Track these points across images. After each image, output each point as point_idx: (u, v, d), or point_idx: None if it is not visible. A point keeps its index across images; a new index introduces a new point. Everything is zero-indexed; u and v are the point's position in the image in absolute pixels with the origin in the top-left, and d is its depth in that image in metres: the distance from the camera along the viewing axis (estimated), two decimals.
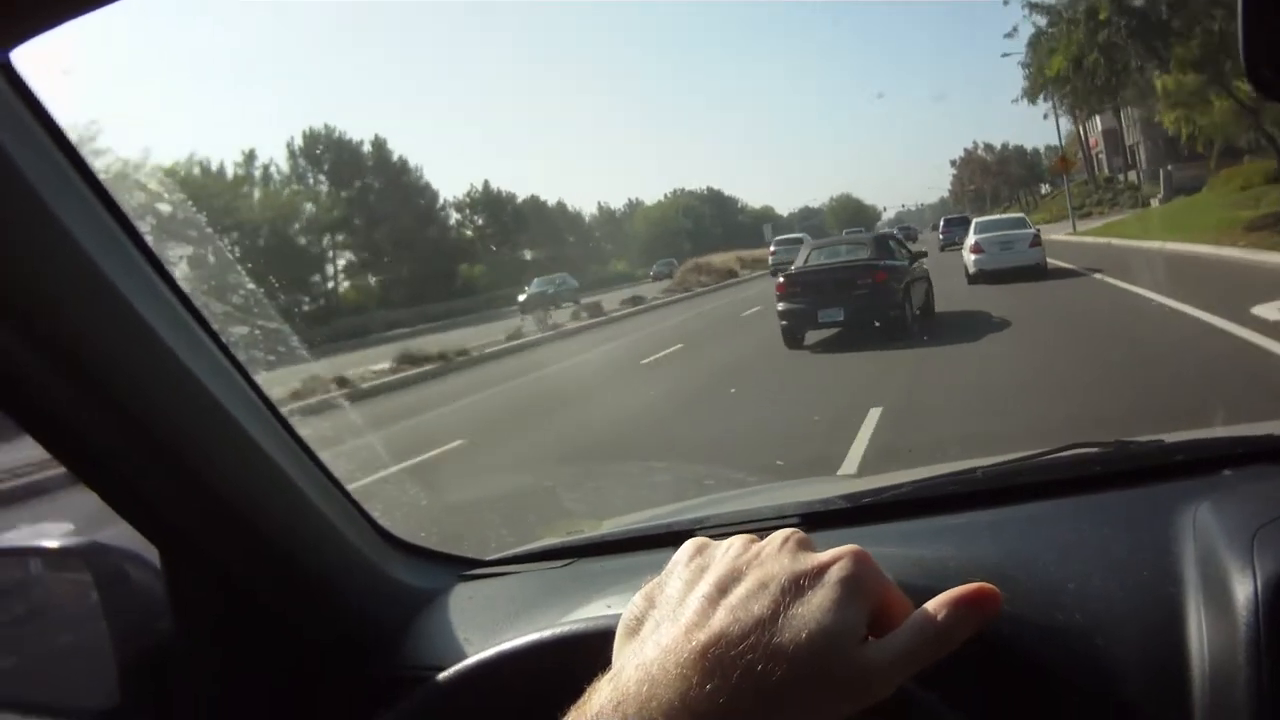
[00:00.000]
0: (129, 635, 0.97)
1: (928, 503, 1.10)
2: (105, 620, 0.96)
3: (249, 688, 1.03)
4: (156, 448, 0.89)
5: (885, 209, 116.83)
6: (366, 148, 60.64)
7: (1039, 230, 19.59)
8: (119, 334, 0.84)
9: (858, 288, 12.63)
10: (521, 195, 77.45)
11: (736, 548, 0.62)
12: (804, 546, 0.60)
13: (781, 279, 13.62)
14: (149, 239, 0.89)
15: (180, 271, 0.93)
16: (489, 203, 72.07)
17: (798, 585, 0.56)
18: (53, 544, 0.99)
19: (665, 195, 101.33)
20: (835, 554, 0.58)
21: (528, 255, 72.34)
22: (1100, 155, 60.87)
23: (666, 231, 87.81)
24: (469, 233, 70.49)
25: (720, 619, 0.55)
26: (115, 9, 0.71)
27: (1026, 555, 0.90)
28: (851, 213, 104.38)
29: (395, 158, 62.92)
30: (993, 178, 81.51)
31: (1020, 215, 24.65)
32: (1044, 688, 0.78)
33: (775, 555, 0.59)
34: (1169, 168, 42.32)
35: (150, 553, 0.98)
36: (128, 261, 0.86)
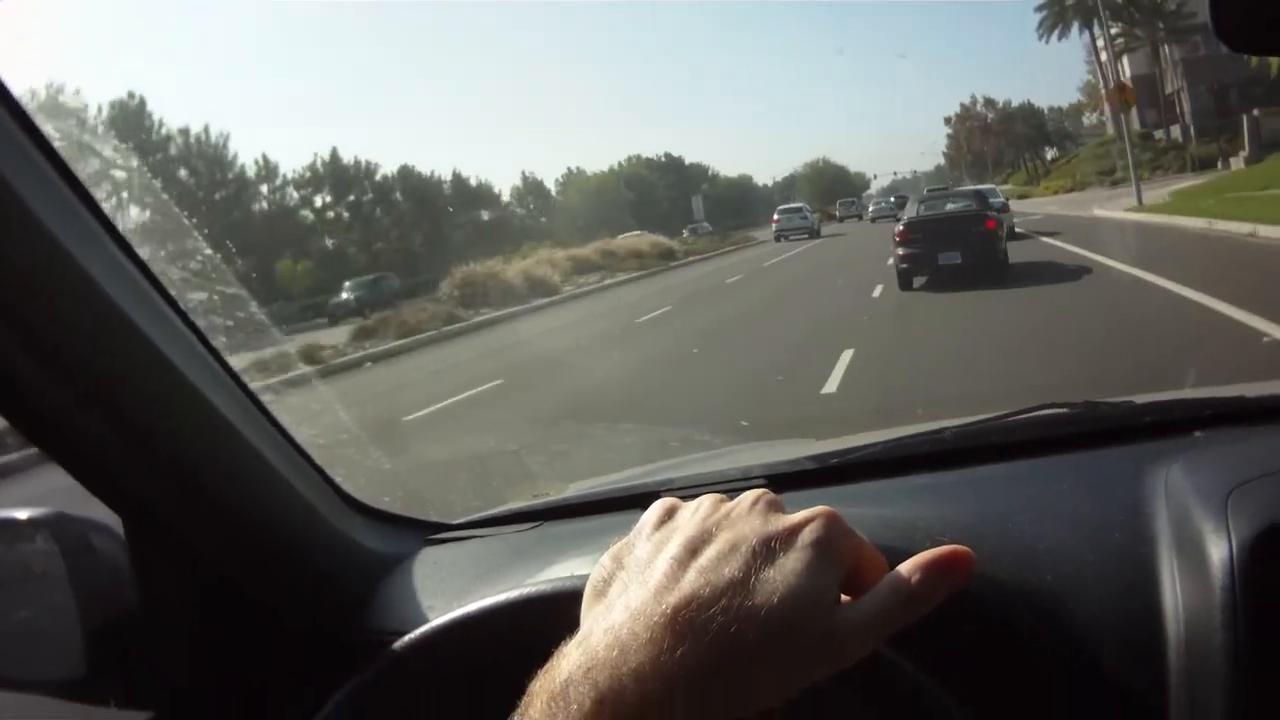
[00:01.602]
0: (94, 605, 0.97)
1: (896, 463, 1.10)
2: (71, 591, 0.96)
3: (213, 655, 1.04)
4: (115, 415, 0.88)
5: (875, 176, 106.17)
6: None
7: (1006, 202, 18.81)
8: (76, 302, 0.83)
9: (972, 234, 14.68)
10: (403, 167, 62.49)
11: (706, 508, 0.61)
12: (774, 508, 0.60)
13: (901, 226, 15.45)
14: (106, 207, 0.87)
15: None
16: (338, 177, 57.00)
17: (769, 547, 0.56)
18: (19, 515, 0.98)
19: (618, 164, 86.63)
20: (807, 515, 0.58)
21: (380, 244, 56.54)
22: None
23: (603, 205, 74.47)
24: (309, 216, 56.25)
25: (690, 581, 0.54)
26: None
27: (997, 515, 0.90)
28: (829, 181, 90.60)
29: (156, 119, 48.49)
30: (994, 138, 69.99)
31: (990, 187, 23.41)
32: (1015, 648, 0.78)
33: (746, 516, 0.59)
34: (1255, 114, 32.18)
35: (115, 523, 0.98)
36: (85, 230, 0.84)
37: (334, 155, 58.05)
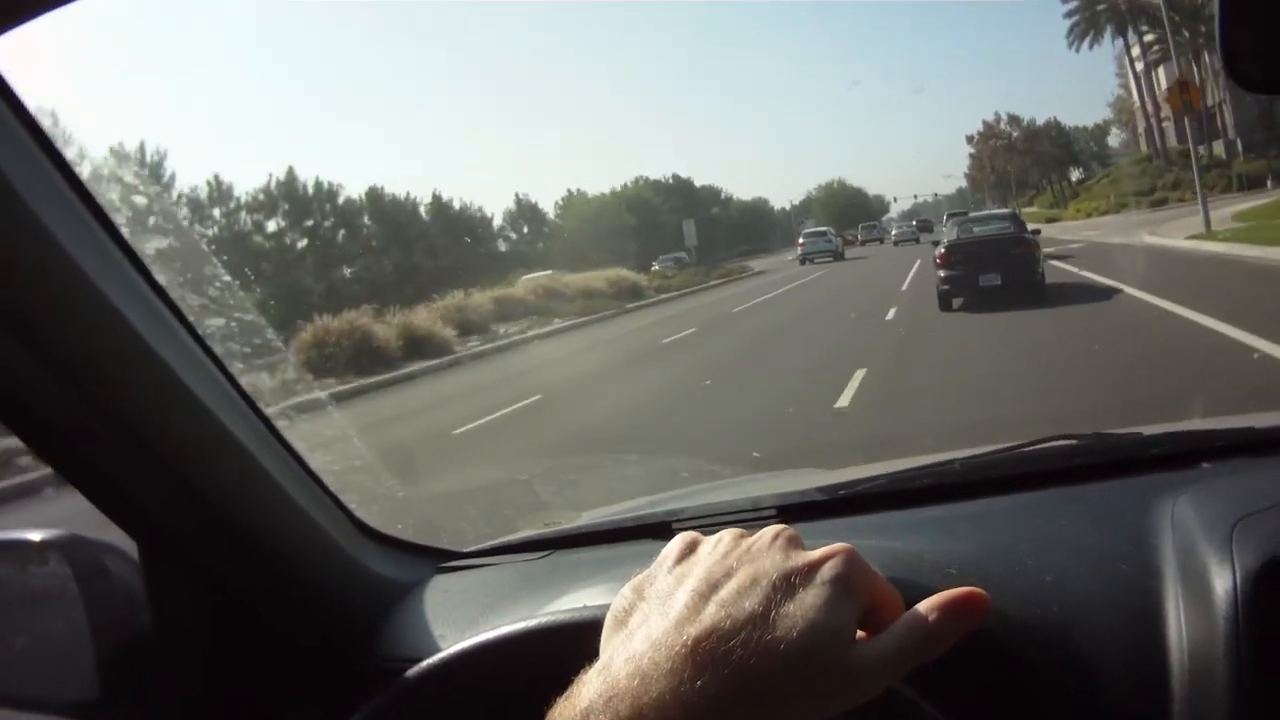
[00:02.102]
0: (108, 628, 0.97)
1: (904, 495, 1.10)
2: (84, 613, 0.96)
3: (226, 680, 1.04)
4: (133, 442, 0.89)
5: (895, 199, 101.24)
6: None
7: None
8: (94, 325, 0.84)
9: (1011, 256, 14.83)
10: (372, 189, 54.47)
11: (727, 543, 0.62)
12: (794, 544, 0.61)
13: (943, 249, 15.61)
14: (126, 233, 0.89)
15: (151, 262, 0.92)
16: (294, 199, 49.70)
17: (789, 582, 0.56)
18: (32, 537, 0.99)
19: (620, 186, 78.06)
20: (827, 552, 0.58)
21: (342, 274, 49.50)
22: (1164, 123, 43.30)
23: (602, 230, 66.87)
24: (264, 242, 47.68)
25: (711, 614, 0.55)
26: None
27: (1003, 547, 0.90)
28: (844, 203, 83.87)
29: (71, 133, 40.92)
30: (1019, 158, 64.49)
31: (1007, 211, 21.10)
32: (1021, 680, 0.78)
33: (766, 551, 0.59)
34: None
35: (129, 546, 0.98)
36: (106, 256, 0.86)
37: (290, 175, 50.79)
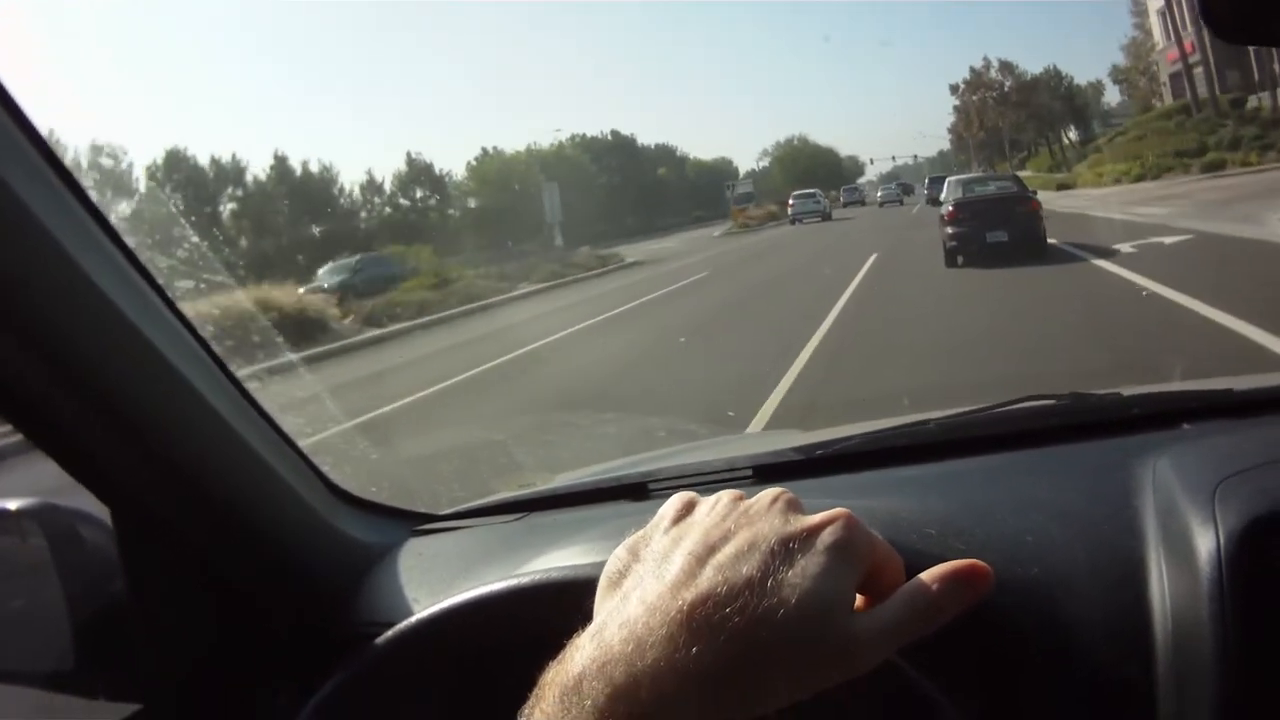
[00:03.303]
0: (82, 597, 0.97)
1: (881, 454, 1.10)
2: (59, 582, 0.96)
3: (202, 647, 1.04)
4: (101, 405, 0.88)
5: (871, 161, 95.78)
6: None
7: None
8: (63, 290, 0.83)
9: (1017, 214, 15.06)
10: (171, 151, 46.60)
11: (725, 504, 0.61)
12: (794, 507, 0.60)
13: (950, 207, 15.65)
14: (93, 194, 0.87)
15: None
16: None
17: (788, 548, 0.55)
18: (7, 505, 0.98)
19: (549, 144, 64.99)
20: (826, 517, 0.58)
21: None
22: (1195, 69, 35.68)
23: (513, 197, 52.73)
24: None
25: (708, 578, 0.54)
26: None
27: (982, 507, 0.90)
28: (807, 164, 75.08)
29: None
30: (1011, 112, 54.91)
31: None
32: (1003, 641, 0.78)
33: (765, 515, 0.59)
34: None
35: (104, 512, 0.98)
36: (75, 220, 0.84)
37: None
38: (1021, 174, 24.00)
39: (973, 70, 57.72)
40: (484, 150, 62.98)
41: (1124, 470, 0.90)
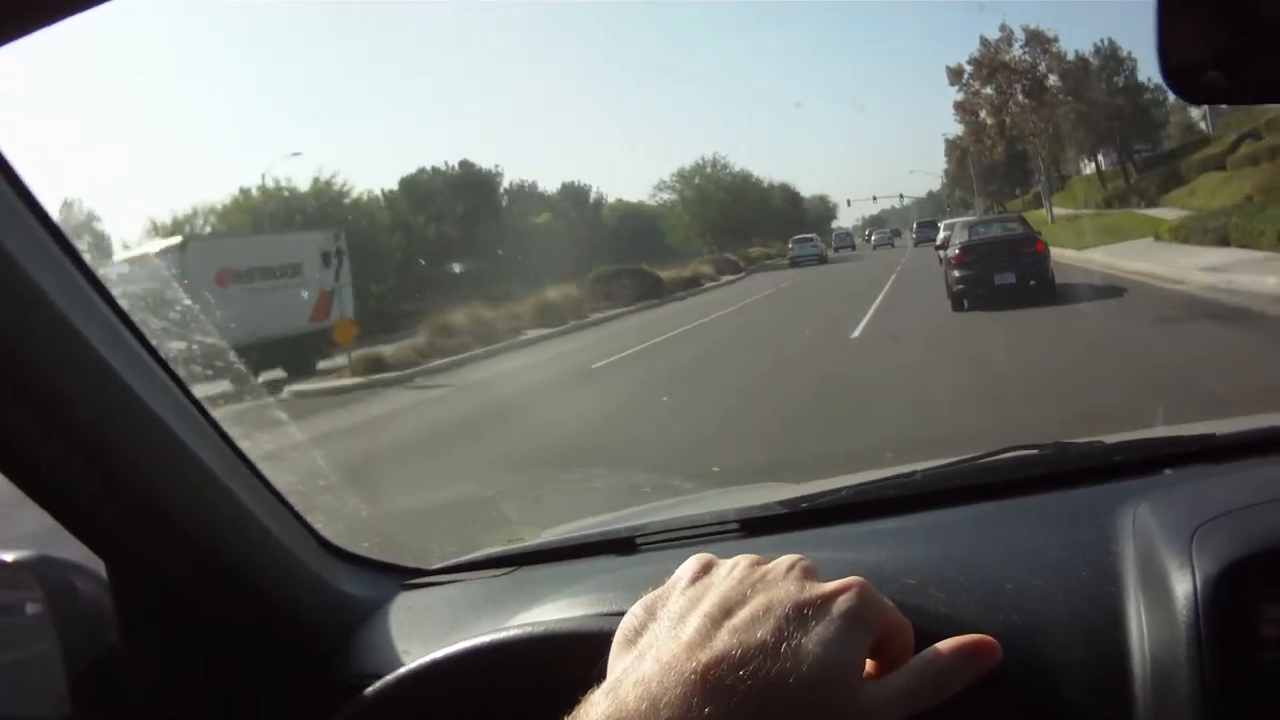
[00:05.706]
0: (78, 647, 0.98)
1: (866, 507, 1.11)
2: (55, 633, 0.97)
3: (196, 699, 1.04)
4: (95, 461, 0.90)
5: (849, 203, 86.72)
6: None
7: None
8: (55, 344, 0.85)
9: (1024, 255, 15.02)
10: None
11: (743, 568, 0.62)
12: (809, 574, 0.61)
13: (957, 250, 15.54)
14: (87, 256, 0.90)
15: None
16: None
17: (802, 614, 0.56)
18: (4, 557, 0.99)
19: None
20: (840, 585, 0.59)
21: None
22: None
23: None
24: None
25: (723, 641, 0.55)
26: None
27: (964, 557, 0.90)
28: (723, 202, 55.12)
29: None
30: (1047, 112, 33.66)
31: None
32: (983, 688, 0.77)
33: (781, 580, 0.60)
34: None
35: (98, 565, 0.99)
36: (64, 275, 0.87)
37: None
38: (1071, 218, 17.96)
39: (985, 43, 34.37)
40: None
41: (1105, 517, 0.90)
